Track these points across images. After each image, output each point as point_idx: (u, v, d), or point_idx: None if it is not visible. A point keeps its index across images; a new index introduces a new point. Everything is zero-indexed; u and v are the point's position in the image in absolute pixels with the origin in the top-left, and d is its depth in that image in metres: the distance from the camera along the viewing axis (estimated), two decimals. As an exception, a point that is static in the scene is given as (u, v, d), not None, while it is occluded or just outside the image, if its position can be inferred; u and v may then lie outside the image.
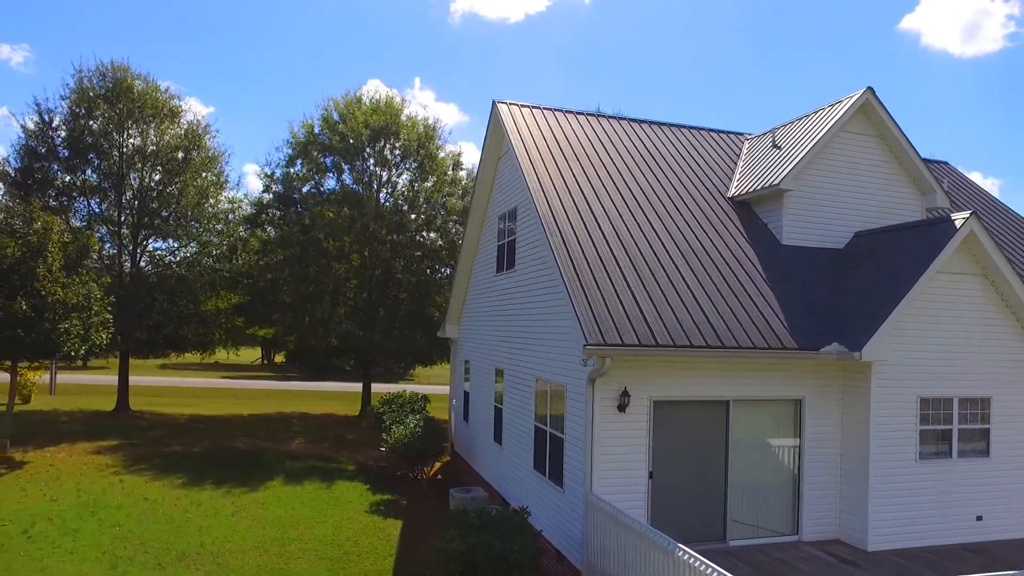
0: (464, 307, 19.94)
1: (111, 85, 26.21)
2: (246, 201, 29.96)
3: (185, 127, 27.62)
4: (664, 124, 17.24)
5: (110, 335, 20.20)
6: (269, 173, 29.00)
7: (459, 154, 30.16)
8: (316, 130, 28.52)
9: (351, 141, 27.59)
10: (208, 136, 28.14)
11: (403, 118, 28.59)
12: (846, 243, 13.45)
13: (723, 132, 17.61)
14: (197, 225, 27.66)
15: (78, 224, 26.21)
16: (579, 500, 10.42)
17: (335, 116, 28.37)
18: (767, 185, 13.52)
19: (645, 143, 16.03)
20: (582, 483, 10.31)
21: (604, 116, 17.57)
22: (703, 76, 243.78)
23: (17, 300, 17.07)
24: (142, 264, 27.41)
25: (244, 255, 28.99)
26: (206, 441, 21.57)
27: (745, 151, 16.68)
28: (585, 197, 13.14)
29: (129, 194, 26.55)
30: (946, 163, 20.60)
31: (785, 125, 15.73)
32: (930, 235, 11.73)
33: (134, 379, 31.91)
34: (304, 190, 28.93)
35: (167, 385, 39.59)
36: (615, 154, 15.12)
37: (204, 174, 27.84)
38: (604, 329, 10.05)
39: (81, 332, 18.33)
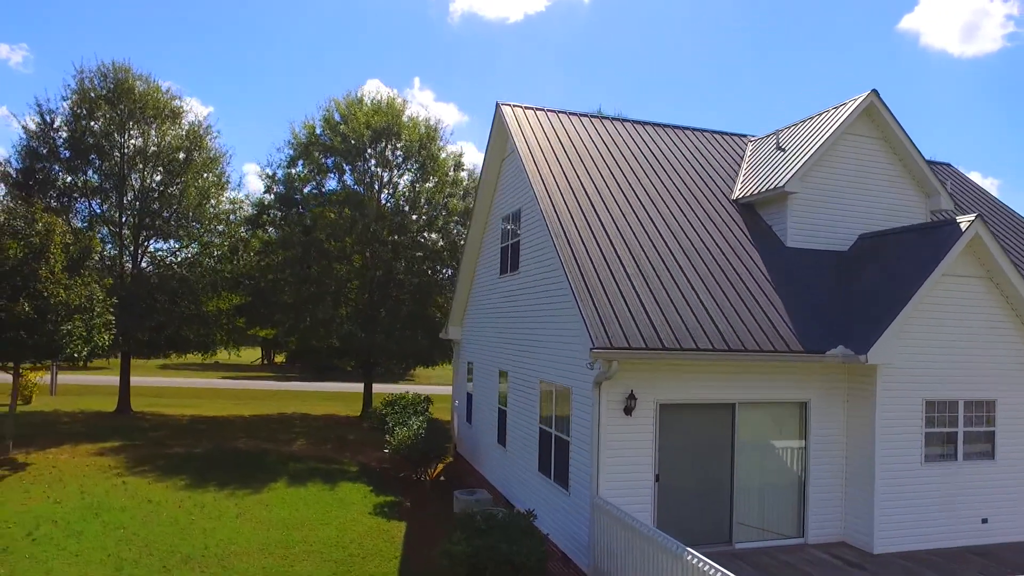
0: (467, 309, 19.93)
1: (112, 86, 26.24)
2: (247, 202, 30.00)
3: (186, 128, 27.66)
4: (667, 126, 17.25)
5: (112, 336, 20.19)
6: (270, 174, 28.99)
7: (460, 155, 30.13)
8: (318, 131, 28.48)
9: (352, 142, 27.55)
10: (209, 137, 28.22)
11: (404, 119, 28.57)
12: (851, 245, 13.44)
13: (726, 134, 17.60)
14: (198, 226, 27.69)
15: (79, 225, 26.26)
16: (585, 503, 10.42)
17: (337, 117, 28.34)
18: (771, 187, 13.52)
19: (648, 145, 16.02)
20: (588, 486, 10.31)
21: (607, 118, 17.56)
22: (703, 76, 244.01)
23: (20, 302, 17.04)
24: (143, 265, 27.44)
25: (245, 256, 29.01)
26: (208, 442, 21.57)
27: (748, 153, 16.68)
28: (590, 199, 13.14)
29: (130, 195, 26.58)
30: (949, 165, 20.63)
31: (789, 127, 15.71)
32: (935, 238, 11.74)
33: (135, 379, 31.92)
34: (305, 191, 28.87)
35: (168, 385, 39.59)
36: (619, 156, 15.12)
37: (205, 175, 27.87)
38: (611, 333, 10.04)
39: (84, 334, 18.31)
